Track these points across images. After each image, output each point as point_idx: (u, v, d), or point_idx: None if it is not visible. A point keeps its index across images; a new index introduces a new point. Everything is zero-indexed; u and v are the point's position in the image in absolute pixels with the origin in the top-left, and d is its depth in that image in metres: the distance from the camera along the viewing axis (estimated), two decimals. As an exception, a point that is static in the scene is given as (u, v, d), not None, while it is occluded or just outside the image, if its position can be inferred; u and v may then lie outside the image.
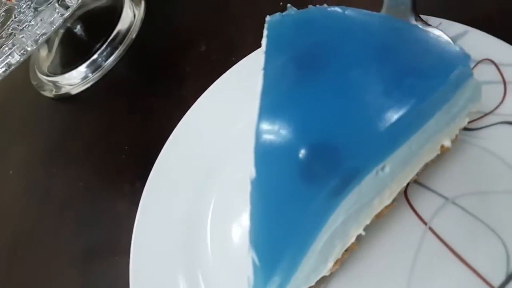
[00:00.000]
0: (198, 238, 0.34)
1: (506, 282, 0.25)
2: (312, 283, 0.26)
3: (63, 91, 0.52)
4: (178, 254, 0.34)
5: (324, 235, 0.24)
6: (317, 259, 0.24)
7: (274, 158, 0.25)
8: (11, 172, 0.49)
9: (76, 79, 0.52)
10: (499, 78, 0.30)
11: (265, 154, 0.25)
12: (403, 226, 0.29)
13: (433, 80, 0.24)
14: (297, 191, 0.23)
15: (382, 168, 0.24)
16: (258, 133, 0.25)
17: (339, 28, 0.28)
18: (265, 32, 0.30)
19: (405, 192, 0.29)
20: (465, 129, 0.29)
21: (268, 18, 0.30)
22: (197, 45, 0.48)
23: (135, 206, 0.36)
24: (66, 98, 0.53)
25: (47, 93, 0.53)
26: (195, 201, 0.36)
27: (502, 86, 0.30)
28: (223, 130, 0.38)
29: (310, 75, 0.26)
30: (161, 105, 0.46)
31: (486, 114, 0.29)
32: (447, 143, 0.27)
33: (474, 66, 0.31)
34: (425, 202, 0.29)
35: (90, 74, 0.52)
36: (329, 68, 0.26)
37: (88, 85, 0.52)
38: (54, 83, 0.53)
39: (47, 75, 0.54)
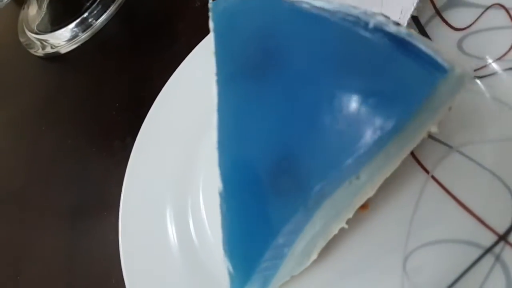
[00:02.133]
0: (189, 192, 0.33)
1: (511, 228, 0.24)
2: (296, 273, 0.26)
3: (52, 50, 0.50)
4: (168, 208, 0.33)
5: (302, 241, 0.23)
6: (298, 258, 0.24)
7: (240, 172, 0.23)
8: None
9: (65, 38, 0.50)
10: (509, 23, 0.28)
11: (230, 168, 0.24)
12: (405, 175, 0.28)
13: (403, 105, 0.20)
14: (267, 205, 0.22)
15: (357, 178, 0.22)
16: (220, 148, 0.24)
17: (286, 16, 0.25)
18: (210, 24, 0.28)
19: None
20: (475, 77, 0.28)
21: (210, 4, 0.28)
22: (191, 1, 0.46)
23: (125, 161, 0.35)
24: (56, 57, 0.51)
25: (36, 52, 0.51)
26: (186, 156, 0.35)
27: (511, 31, 0.28)
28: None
29: (271, 80, 0.24)
30: (153, 63, 0.44)
31: (494, 61, 0.28)
32: (433, 129, 0.25)
33: (483, 12, 0.29)
34: (428, 152, 0.28)
35: (80, 33, 0.50)
36: (293, 71, 0.23)
37: (78, 44, 0.50)
38: (42, 41, 0.51)
39: (36, 33, 0.52)
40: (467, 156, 0.27)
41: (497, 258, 0.23)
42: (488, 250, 0.24)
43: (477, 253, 0.24)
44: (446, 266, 0.24)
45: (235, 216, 0.23)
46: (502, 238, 0.24)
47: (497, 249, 0.23)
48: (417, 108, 0.20)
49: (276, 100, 0.23)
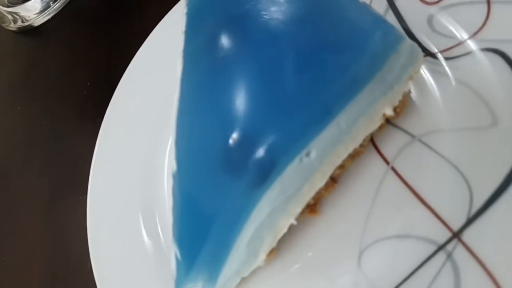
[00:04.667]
0: (158, 173, 0.33)
1: (465, 225, 0.23)
2: (246, 274, 0.25)
3: (24, 23, 0.48)
4: (136, 192, 0.32)
5: (249, 229, 0.22)
6: (246, 252, 0.23)
7: (194, 151, 0.23)
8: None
9: (36, 10, 0.48)
10: (482, -3, 0.26)
11: (185, 147, 0.23)
12: (365, 165, 0.27)
13: (349, 54, 0.21)
14: (216, 184, 0.22)
15: (307, 154, 0.22)
16: (178, 126, 0.24)
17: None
18: (184, 9, 0.27)
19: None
20: (444, 58, 0.26)
21: None
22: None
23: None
24: (29, 31, 0.49)
25: (9, 26, 0.50)
26: (154, 136, 0.34)
27: (485, 6, 0.26)
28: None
29: (226, 57, 0.23)
30: (122, 36, 0.42)
31: (465, 40, 0.26)
32: (388, 111, 0.24)
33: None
34: (391, 141, 0.27)
35: (51, 3, 0.48)
36: (245, 48, 0.23)
37: (50, 16, 0.48)
38: (14, 14, 0.49)
39: (8, 6, 0.50)
40: (428, 146, 0.25)
41: (449, 256, 0.23)
42: (441, 247, 0.23)
43: (430, 249, 0.23)
44: (399, 262, 0.24)
45: (185, 199, 0.23)
46: (456, 235, 0.23)
47: (449, 246, 0.23)
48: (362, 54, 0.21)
49: (235, 76, 0.23)
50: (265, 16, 0.23)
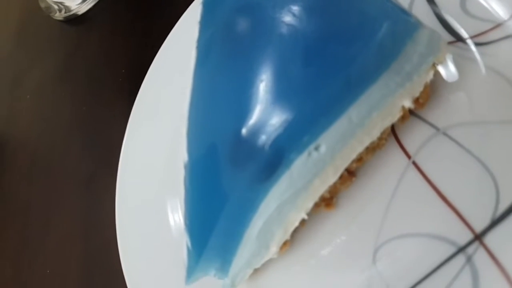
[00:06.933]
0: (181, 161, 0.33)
1: (489, 227, 0.21)
2: (258, 266, 0.25)
3: (68, 13, 0.51)
4: (162, 177, 0.33)
5: (257, 222, 0.22)
6: (256, 244, 0.23)
7: (205, 143, 0.23)
8: (28, 97, 0.50)
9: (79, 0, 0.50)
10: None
11: (196, 139, 0.23)
12: (386, 159, 0.25)
13: (358, 44, 0.20)
14: (226, 177, 0.22)
15: (316, 148, 0.21)
16: (190, 117, 0.24)
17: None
18: None
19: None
20: (475, 44, 0.24)
21: None
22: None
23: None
24: (74, 20, 0.51)
25: (56, 16, 0.52)
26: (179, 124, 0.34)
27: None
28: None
29: (236, 49, 0.23)
30: (158, 24, 0.43)
31: (497, 25, 0.23)
32: (407, 103, 0.22)
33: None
34: (413, 134, 0.25)
35: (92, -8, 0.50)
36: (255, 40, 0.22)
37: (92, 3, 0.50)
38: (58, 4, 0.51)
39: (54, -4, 0.52)
40: (453, 140, 0.23)
41: (468, 259, 0.21)
42: (461, 249, 0.22)
43: (449, 251, 0.22)
44: (415, 262, 0.23)
45: (195, 189, 0.23)
46: (478, 237, 0.21)
47: (470, 249, 0.21)
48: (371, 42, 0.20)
49: (244, 68, 0.23)
50: (276, 6, 0.22)
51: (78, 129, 0.44)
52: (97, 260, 0.36)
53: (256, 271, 0.26)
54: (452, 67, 0.23)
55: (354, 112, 0.21)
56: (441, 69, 0.23)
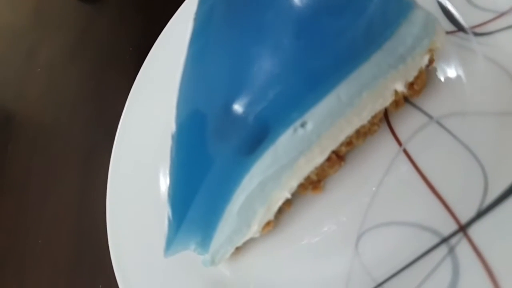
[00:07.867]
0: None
1: (474, 219, 0.20)
2: (239, 244, 0.25)
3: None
4: (158, 151, 0.33)
5: (239, 196, 0.22)
6: (237, 220, 0.23)
7: (193, 114, 0.22)
8: (39, 70, 0.51)
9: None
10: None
11: (185, 109, 0.23)
12: (376, 145, 0.25)
13: (348, 17, 0.19)
14: (210, 148, 0.21)
15: (302, 125, 0.20)
16: (181, 88, 0.23)
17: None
18: None
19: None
20: (474, 34, 0.23)
21: None
22: None
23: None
24: (89, -1, 0.52)
25: (72, -6, 0.53)
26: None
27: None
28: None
29: (225, 22, 0.23)
30: (163, 4, 0.43)
31: (499, 16, 0.22)
32: (399, 87, 0.22)
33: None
34: (406, 121, 0.24)
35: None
36: (243, 13, 0.22)
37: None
38: (75, -19, 0.52)
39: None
40: (447, 130, 0.23)
41: (451, 250, 0.20)
42: (444, 240, 0.21)
43: (432, 241, 0.21)
44: (397, 251, 0.22)
45: (180, 160, 0.23)
46: (462, 228, 0.21)
47: (453, 240, 0.21)
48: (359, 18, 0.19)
49: (232, 41, 0.22)
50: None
51: (83, 105, 0.45)
52: (89, 234, 0.37)
53: (238, 252, 0.26)
54: (451, 54, 0.23)
55: (343, 90, 0.20)
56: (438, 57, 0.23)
